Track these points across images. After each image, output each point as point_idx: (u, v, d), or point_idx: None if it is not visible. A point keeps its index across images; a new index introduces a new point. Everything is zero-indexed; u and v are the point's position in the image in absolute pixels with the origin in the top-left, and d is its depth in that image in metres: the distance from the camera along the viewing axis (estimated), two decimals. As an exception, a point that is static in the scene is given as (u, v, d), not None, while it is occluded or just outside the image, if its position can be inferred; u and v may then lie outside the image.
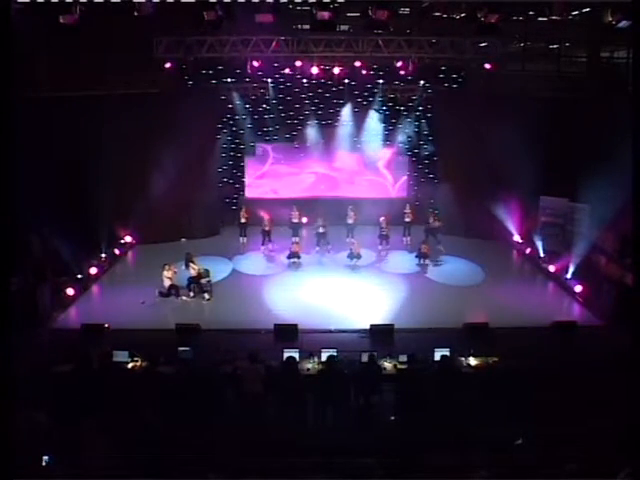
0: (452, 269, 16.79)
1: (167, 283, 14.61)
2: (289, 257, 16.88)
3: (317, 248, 17.86)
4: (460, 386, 9.74)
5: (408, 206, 19.04)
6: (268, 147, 20.77)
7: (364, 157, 20.89)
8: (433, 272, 16.64)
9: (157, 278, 14.72)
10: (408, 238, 18.76)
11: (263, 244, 18.04)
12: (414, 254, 17.22)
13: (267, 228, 17.89)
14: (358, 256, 16.63)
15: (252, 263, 17.40)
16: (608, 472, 6.01)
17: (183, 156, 17.40)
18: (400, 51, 17.41)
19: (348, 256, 16.70)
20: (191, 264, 14.94)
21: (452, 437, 7.94)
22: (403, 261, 17.48)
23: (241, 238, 18.89)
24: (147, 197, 17.24)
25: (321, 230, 17.70)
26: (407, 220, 18.81)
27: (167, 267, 14.71)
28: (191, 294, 14.75)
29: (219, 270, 16.21)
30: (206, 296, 14.67)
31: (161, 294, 14.54)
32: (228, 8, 12.30)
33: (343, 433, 9.35)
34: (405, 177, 21.16)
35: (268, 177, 21.00)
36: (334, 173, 21.07)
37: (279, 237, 18.13)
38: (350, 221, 18.44)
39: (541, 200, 17.81)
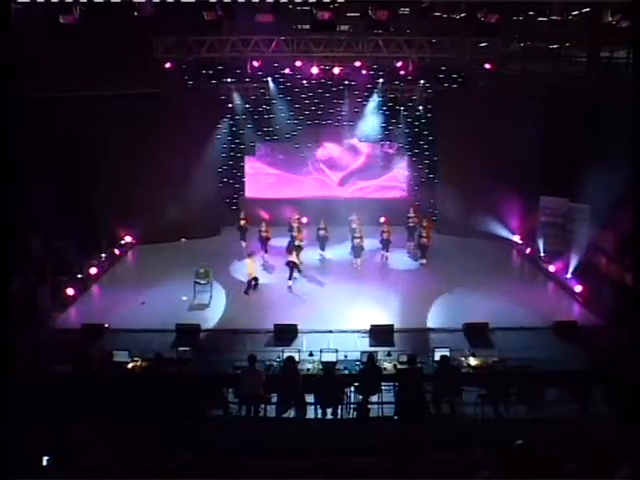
0: (452, 269, 16.78)
1: (252, 275, 15.05)
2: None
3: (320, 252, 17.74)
4: (460, 386, 9.74)
5: (412, 210, 18.30)
6: (268, 147, 20.78)
7: (364, 157, 20.89)
8: (432, 272, 16.62)
9: (156, 278, 14.69)
10: (412, 243, 18.19)
11: (266, 251, 17.31)
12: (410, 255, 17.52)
13: (265, 234, 17.19)
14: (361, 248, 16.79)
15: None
16: (608, 472, 6.01)
17: (183, 156, 17.41)
18: (400, 51, 17.41)
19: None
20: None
21: (452, 437, 7.93)
22: (405, 262, 17.56)
23: (242, 242, 18.24)
24: (147, 197, 17.24)
25: (322, 233, 17.41)
26: (411, 225, 18.07)
27: (252, 257, 15.51)
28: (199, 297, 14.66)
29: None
30: (206, 296, 14.66)
31: (248, 286, 14.91)
32: (228, 8, 12.31)
33: (343, 433, 9.35)
34: (405, 177, 21.17)
35: (268, 177, 20.99)
36: (334, 173, 21.10)
37: (278, 237, 18.02)
38: (353, 224, 18.29)
39: (541, 200, 17.78)
